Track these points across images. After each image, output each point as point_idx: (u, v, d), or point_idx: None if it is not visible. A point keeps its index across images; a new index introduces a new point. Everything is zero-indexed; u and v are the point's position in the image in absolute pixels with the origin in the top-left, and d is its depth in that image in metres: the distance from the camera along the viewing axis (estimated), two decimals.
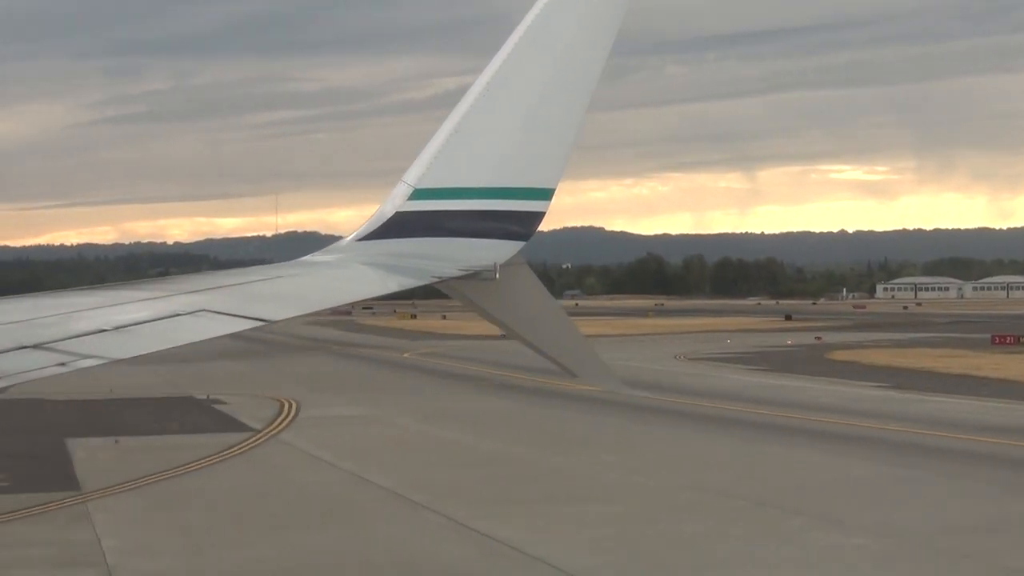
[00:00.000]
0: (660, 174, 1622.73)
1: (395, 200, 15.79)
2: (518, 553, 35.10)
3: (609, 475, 49.82)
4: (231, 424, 68.98)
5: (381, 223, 15.82)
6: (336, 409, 76.24)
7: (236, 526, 40.09)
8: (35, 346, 11.29)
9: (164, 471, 51.21)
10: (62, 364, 11.12)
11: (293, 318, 13.99)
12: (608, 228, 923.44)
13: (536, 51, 15.70)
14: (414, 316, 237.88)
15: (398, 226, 15.69)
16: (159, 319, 12.44)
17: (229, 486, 48.46)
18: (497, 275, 15.37)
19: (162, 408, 78.61)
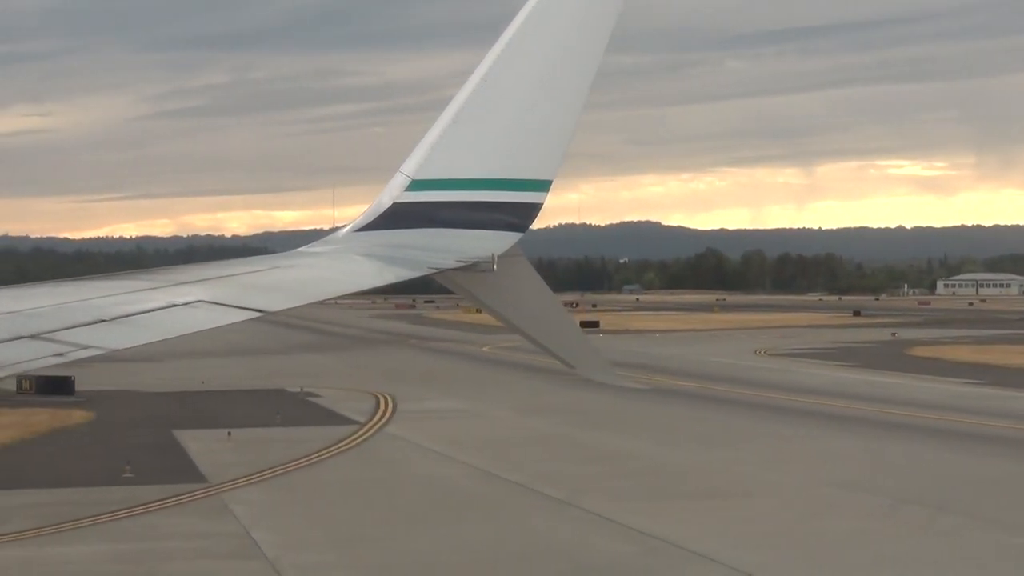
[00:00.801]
0: (718, 169, 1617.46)
1: (392, 191, 15.58)
2: (681, 550, 34.56)
3: (738, 470, 49.18)
4: (333, 417, 68.73)
5: (379, 214, 15.56)
6: (432, 403, 75.83)
7: (380, 519, 39.71)
8: (33, 336, 11.06)
9: (285, 464, 50.99)
10: (60, 354, 10.86)
11: (291, 308, 13.75)
12: (665, 223, 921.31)
13: (533, 42, 15.55)
14: (479, 310, 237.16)
15: (395, 217, 15.46)
16: (157, 310, 12.24)
17: (355, 478, 48.11)
18: (495, 266, 15.06)
19: (259, 400, 78.43)
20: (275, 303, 13.47)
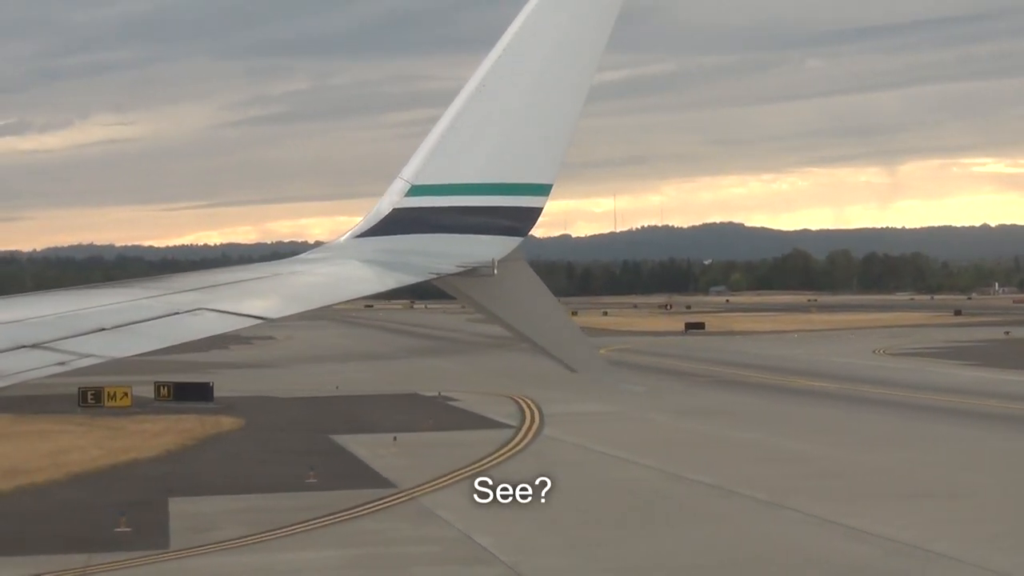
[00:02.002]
0: (800, 169, 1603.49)
1: (392, 196, 15.25)
2: (923, 551, 33.91)
3: (928, 471, 48.40)
4: (483, 421, 68.43)
5: (378, 220, 15.27)
6: (576, 405, 75.11)
7: (597, 522, 39.33)
8: (34, 345, 10.86)
9: (463, 468, 50.63)
10: (61, 363, 10.64)
11: (293, 315, 13.29)
12: (748, 224, 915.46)
13: (532, 46, 15.30)
14: (575, 313, 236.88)
15: (395, 222, 15.19)
16: (158, 317, 12.03)
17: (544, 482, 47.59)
18: (495, 271, 14.74)
19: (400, 405, 78.30)
20: (277, 310, 13.30)
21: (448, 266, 14.82)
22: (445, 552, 35.32)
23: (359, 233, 15.32)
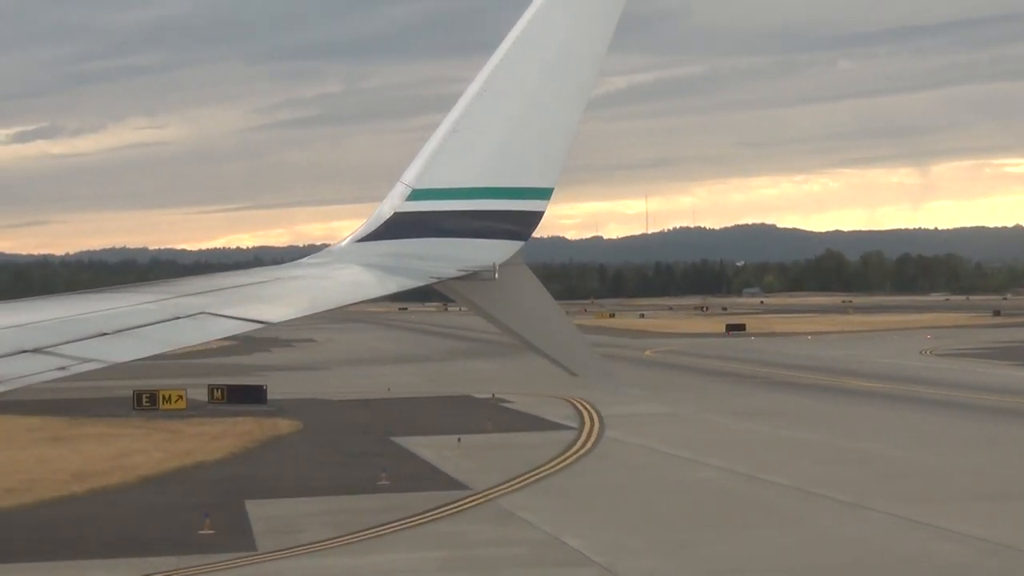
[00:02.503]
0: (832, 170, 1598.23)
1: (393, 201, 15.39)
2: (1017, 551, 33.64)
3: (1005, 473, 48.12)
4: (542, 423, 68.36)
5: (379, 224, 15.40)
6: (633, 407, 74.84)
7: (682, 523, 39.21)
8: (35, 350, 10.97)
9: (533, 469, 50.55)
10: (62, 368, 10.76)
11: (292, 320, 13.46)
12: (780, 225, 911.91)
13: (532, 50, 15.35)
14: (612, 315, 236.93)
15: (396, 227, 15.32)
16: (159, 322, 12.17)
17: (617, 483, 47.66)
18: (496, 275, 14.90)
19: (454, 407, 78.32)
20: (277, 314, 13.45)
21: (449, 270, 14.93)
22: (535, 554, 35.16)
23: (360, 237, 15.46)
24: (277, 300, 13.89)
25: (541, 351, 15.80)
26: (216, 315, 12.55)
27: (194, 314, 12.47)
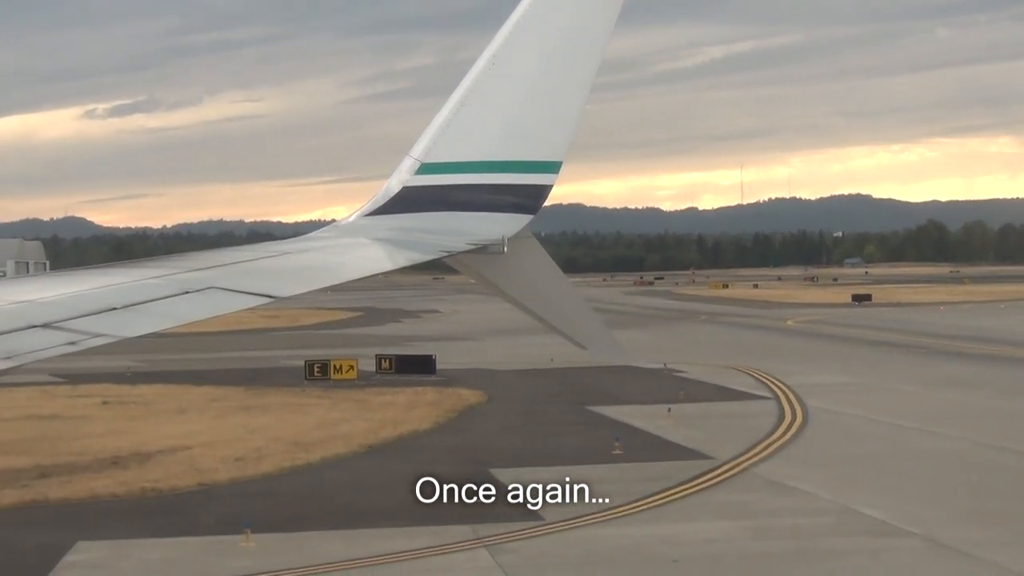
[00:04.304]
0: (929, 139, 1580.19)
1: (402, 175, 15.42)
2: None
3: None
4: (731, 393, 67.72)
5: (388, 198, 15.46)
6: (813, 377, 74.05)
7: (966, 493, 38.35)
8: (44, 325, 10.96)
9: (764, 438, 49.92)
10: (72, 343, 10.76)
11: (302, 294, 13.40)
12: (876, 195, 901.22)
13: (541, 23, 15.30)
14: (726, 285, 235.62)
15: (405, 201, 15.38)
16: (168, 297, 12.15)
17: (863, 453, 47.22)
18: (505, 249, 15.00)
19: (628, 376, 77.47)
20: (286, 288, 13.42)
21: (458, 244, 14.95)
22: (842, 524, 34.58)
23: (369, 212, 15.48)
24: (286, 275, 13.86)
25: (550, 324, 15.76)
26: (225, 289, 12.56)
27: (202, 289, 12.47)
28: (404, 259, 14.77)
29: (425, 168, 15.31)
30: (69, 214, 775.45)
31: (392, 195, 15.42)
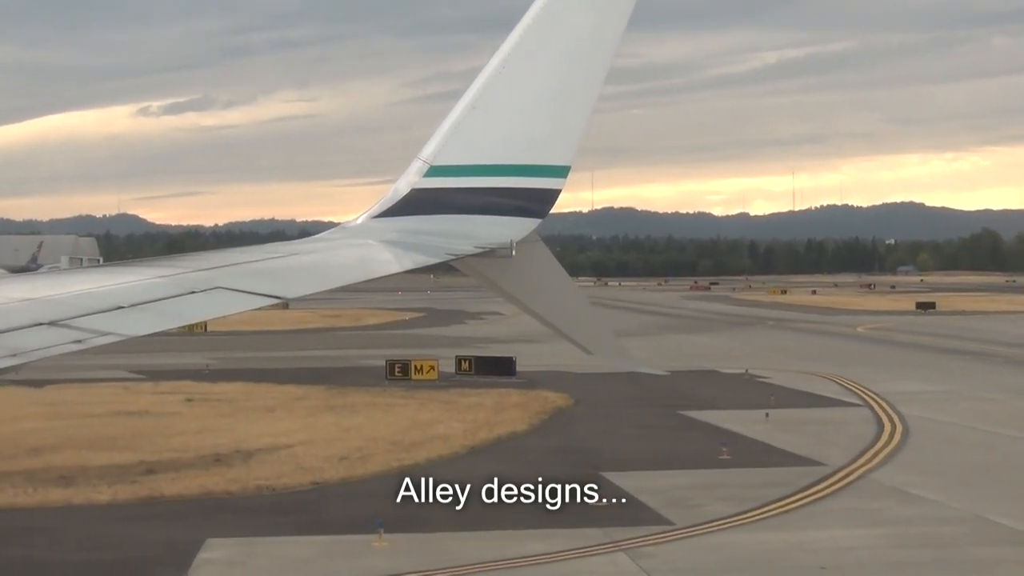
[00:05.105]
0: (982, 148, 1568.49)
1: (410, 177, 15.46)
2: None
3: None
4: (821, 399, 67.29)
5: (396, 200, 15.49)
6: (899, 384, 73.42)
7: None
8: (51, 323, 11.02)
9: (871, 445, 49.60)
10: (78, 341, 10.76)
11: (309, 295, 13.60)
12: (928, 203, 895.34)
13: (551, 28, 15.31)
14: (784, 291, 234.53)
15: (413, 203, 15.42)
16: (175, 296, 12.24)
17: (977, 461, 46.77)
18: (513, 252, 14.99)
19: (712, 382, 77.55)
20: (294, 290, 13.59)
21: (466, 247, 14.99)
22: (978, 533, 34.25)
23: (376, 214, 15.39)
24: (293, 275, 13.93)
25: (557, 328, 15.78)
26: (231, 290, 12.60)
27: (209, 289, 12.53)
28: (411, 262, 14.78)
29: (434, 171, 15.34)
30: (122, 211, 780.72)
31: (400, 197, 15.45)
